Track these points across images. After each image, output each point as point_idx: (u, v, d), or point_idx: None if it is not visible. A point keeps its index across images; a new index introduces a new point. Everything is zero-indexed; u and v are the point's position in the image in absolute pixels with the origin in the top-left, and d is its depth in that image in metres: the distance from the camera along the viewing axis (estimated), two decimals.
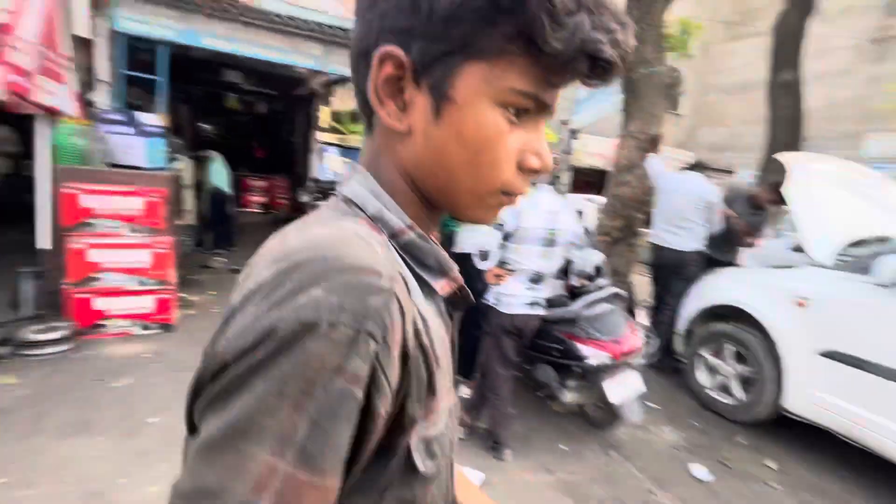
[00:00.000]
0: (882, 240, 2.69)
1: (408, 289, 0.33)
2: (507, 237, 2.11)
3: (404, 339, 0.30)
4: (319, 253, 0.28)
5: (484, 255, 2.12)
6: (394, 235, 0.37)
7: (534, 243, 2.11)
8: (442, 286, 0.40)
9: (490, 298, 2.22)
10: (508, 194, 0.38)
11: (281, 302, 0.27)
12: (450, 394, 0.39)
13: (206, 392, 0.28)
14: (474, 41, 0.33)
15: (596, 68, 0.33)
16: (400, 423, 0.32)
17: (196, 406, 0.29)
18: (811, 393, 2.46)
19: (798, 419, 2.55)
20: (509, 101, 0.34)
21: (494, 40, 0.32)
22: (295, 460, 0.25)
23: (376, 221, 0.37)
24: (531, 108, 0.36)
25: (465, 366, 2.72)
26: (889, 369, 2.16)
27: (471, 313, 2.77)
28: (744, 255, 3.57)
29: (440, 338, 0.38)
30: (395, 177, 0.39)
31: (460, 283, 0.41)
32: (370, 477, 0.32)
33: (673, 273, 3.34)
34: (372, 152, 0.40)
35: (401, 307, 0.30)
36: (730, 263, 3.44)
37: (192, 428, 0.30)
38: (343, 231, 0.32)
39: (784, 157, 3.16)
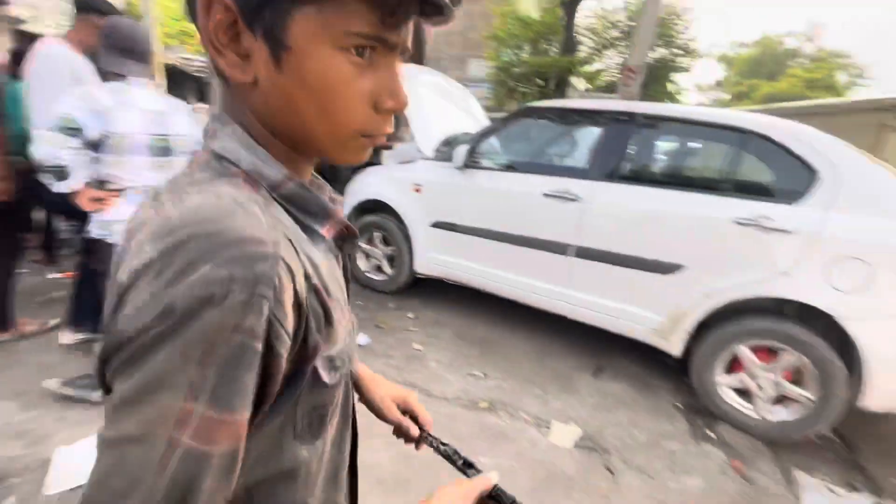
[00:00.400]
0: (462, 135, 3.64)
1: (293, 244, 0.34)
2: (95, 147, 1.67)
3: (296, 292, 0.33)
4: (202, 228, 0.29)
5: (60, 174, 1.59)
6: (274, 188, 0.37)
7: (140, 153, 1.75)
8: (327, 230, 0.42)
9: (95, 230, 1.78)
10: (370, 136, 0.39)
11: (174, 280, 0.28)
12: (346, 315, 0.43)
13: (115, 359, 0.30)
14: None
15: (427, 6, 0.34)
16: (304, 354, 0.36)
17: (107, 372, 0.31)
18: (430, 255, 3.27)
19: (425, 277, 3.38)
20: (350, 44, 0.34)
21: None
22: (207, 403, 0.28)
23: (253, 177, 0.37)
24: (378, 48, 0.35)
25: (91, 315, 2.22)
26: (469, 227, 3.07)
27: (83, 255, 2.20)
28: (384, 155, 4.17)
29: (331, 274, 0.41)
30: (259, 128, 0.38)
31: (345, 223, 0.44)
32: (283, 397, 0.36)
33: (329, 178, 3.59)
34: (230, 103, 0.39)
35: (288, 266, 0.32)
36: (373, 164, 3.97)
37: (108, 390, 0.31)
38: (221, 199, 0.32)
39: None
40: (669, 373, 2.70)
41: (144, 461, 0.27)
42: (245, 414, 0.31)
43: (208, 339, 0.28)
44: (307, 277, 0.35)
